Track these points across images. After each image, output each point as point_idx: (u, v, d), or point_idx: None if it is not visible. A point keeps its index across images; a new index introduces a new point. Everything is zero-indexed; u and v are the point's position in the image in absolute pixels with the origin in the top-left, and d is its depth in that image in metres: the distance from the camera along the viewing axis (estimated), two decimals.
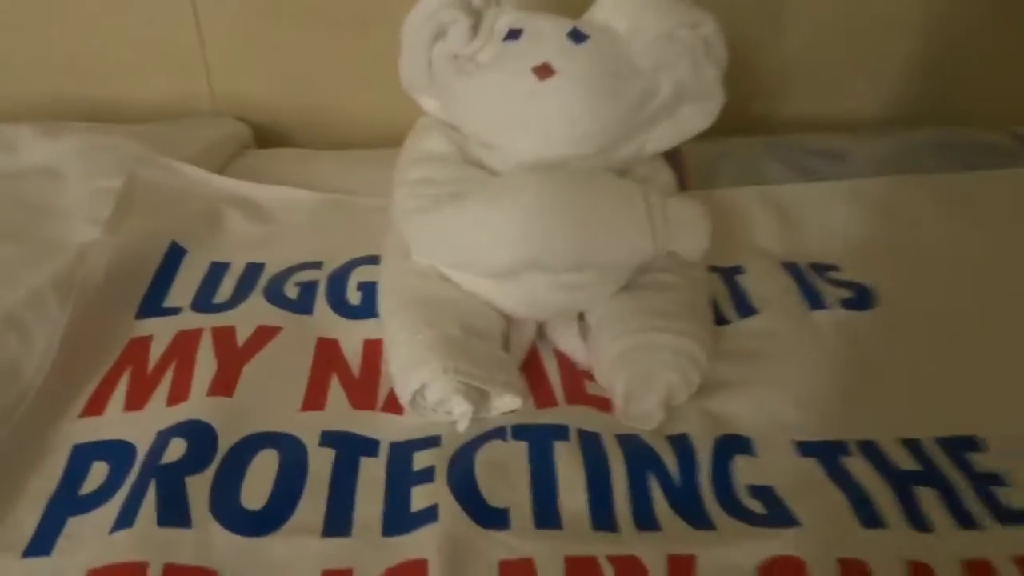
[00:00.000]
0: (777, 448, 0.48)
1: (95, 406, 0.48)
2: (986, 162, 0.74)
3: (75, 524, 0.41)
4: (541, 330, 0.55)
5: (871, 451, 0.47)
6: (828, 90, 0.86)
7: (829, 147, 0.78)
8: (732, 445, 0.48)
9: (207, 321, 0.54)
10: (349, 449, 0.46)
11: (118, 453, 0.45)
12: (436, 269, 0.53)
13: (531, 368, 0.53)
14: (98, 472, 0.44)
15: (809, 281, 0.61)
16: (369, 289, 0.57)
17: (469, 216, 0.48)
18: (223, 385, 0.48)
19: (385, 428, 0.48)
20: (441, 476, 0.44)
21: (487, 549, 0.40)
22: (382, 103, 0.79)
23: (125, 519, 0.40)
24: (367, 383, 0.51)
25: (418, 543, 0.40)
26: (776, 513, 0.43)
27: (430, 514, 0.42)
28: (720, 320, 0.57)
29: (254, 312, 0.55)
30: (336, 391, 0.50)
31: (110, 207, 0.61)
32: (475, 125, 0.52)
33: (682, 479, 0.45)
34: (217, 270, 0.60)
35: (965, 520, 0.43)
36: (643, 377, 0.49)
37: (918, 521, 0.43)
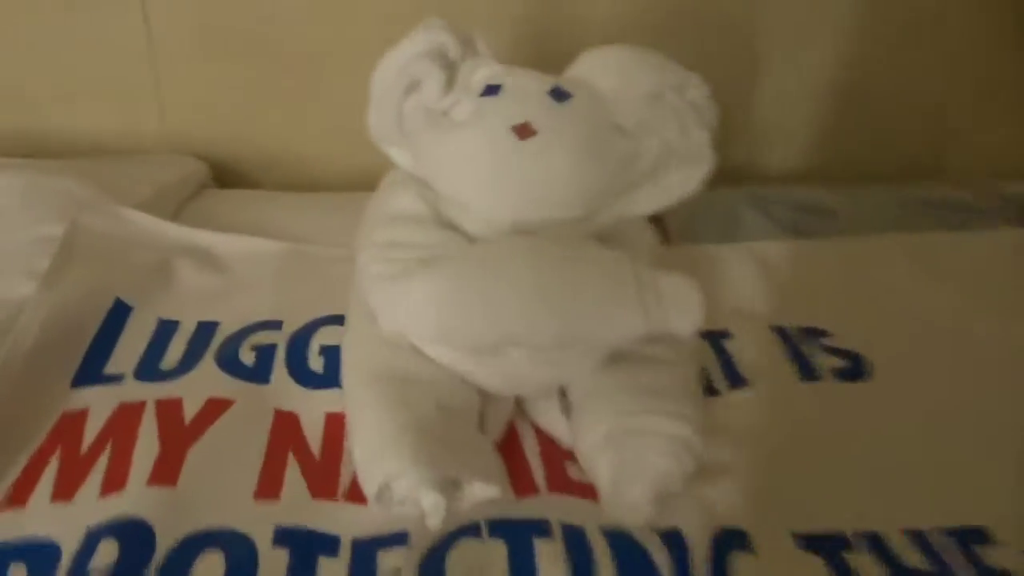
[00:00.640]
0: (776, 542, 0.44)
1: (18, 495, 0.42)
2: (971, 221, 0.73)
3: None
4: (519, 405, 0.51)
5: (876, 545, 0.44)
6: (808, 143, 0.85)
7: (814, 202, 0.76)
8: (729, 540, 0.44)
9: (151, 392, 0.49)
10: (305, 548, 0.41)
11: (39, 555, 0.39)
12: (405, 338, 0.49)
13: (509, 448, 0.48)
14: None
15: (799, 348, 0.58)
16: (332, 354, 0.53)
17: (444, 287, 0.44)
18: (165, 472, 0.43)
19: (347, 521, 0.43)
20: None
21: None
22: (343, 144, 0.76)
23: None
24: (328, 466, 0.46)
25: None
26: None
27: None
28: (709, 390, 0.54)
29: (204, 381, 0.50)
30: (293, 476, 0.45)
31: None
32: (449, 184, 0.48)
33: None
34: (166, 329, 0.55)
35: None
36: (632, 464, 0.45)
37: None
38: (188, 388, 0.49)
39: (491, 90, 0.46)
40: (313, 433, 0.48)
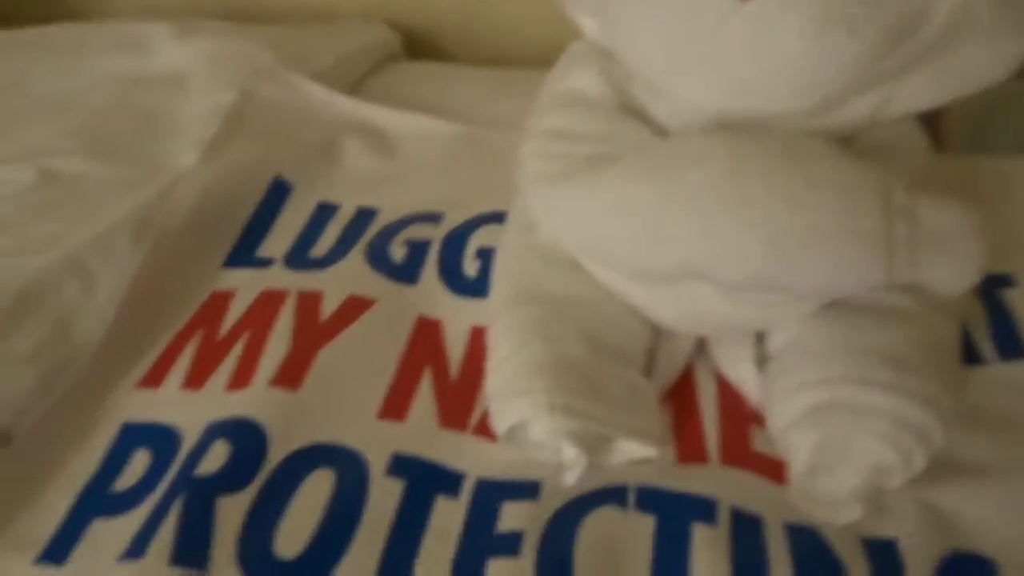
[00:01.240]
0: None
1: (156, 375, 0.41)
2: None
3: (99, 529, 0.35)
4: (701, 346, 0.41)
5: None
6: None
7: None
8: (966, 568, 0.32)
9: (296, 281, 0.45)
10: (424, 483, 0.36)
11: (164, 442, 0.38)
12: (568, 252, 0.40)
13: (680, 400, 0.39)
14: (139, 463, 0.37)
15: None
16: (489, 257, 0.45)
17: (608, 195, 0.34)
18: (291, 374, 0.39)
19: (474, 457, 0.37)
20: (529, 551, 0.33)
21: None
22: (549, 13, 0.66)
23: (138, 545, 0.33)
24: (464, 390, 0.40)
25: None
26: None
27: None
28: (971, 357, 0.40)
29: (349, 275, 0.45)
30: (424, 396, 0.40)
31: None
32: (642, 56, 0.37)
33: None
34: (323, 213, 0.51)
35: None
36: (840, 447, 0.34)
37: None
38: (332, 281, 0.45)
39: None
40: (455, 348, 0.42)
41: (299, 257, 0.48)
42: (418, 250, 0.47)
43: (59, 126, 0.57)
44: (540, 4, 0.64)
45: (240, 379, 0.40)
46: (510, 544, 0.33)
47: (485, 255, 0.46)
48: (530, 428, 0.35)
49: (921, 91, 0.34)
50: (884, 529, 0.33)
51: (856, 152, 0.34)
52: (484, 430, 0.38)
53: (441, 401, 0.39)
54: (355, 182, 0.53)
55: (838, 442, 0.34)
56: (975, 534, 0.33)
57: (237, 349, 0.42)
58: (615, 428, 0.35)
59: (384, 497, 0.35)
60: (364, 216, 0.51)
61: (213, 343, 0.42)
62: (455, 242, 0.48)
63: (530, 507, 0.34)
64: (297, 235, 0.49)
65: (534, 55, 0.71)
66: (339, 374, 0.40)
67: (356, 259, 0.47)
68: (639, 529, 0.33)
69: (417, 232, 0.49)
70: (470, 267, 0.46)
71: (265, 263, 0.47)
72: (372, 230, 0.49)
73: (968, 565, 0.32)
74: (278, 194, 0.52)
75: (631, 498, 0.34)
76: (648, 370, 0.38)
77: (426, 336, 0.43)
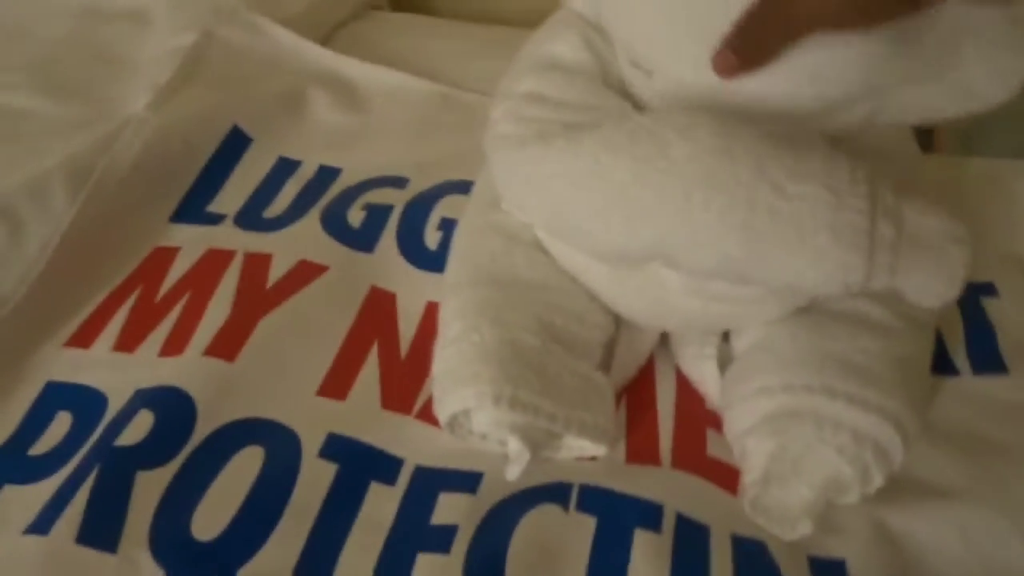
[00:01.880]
0: None
1: (85, 334, 0.39)
2: None
3: (8, 495, 0.33)
4: (664, 343, 0.39)
5: None
6: None
7: None
8: None
9: (244, 242, 0.43)
10: (358, 467, 0.34)
11: (88, 405, 0.36)
12: (532, 230, 0.38)
13: (636, 397, 0.37)
14: (59, 427, 0.35)
15: None
16: (453, 230, 0.43)
17: (583, 162, 0.31)
18: (228, 342, 0.37)
19: (415, 443, 0.35)
20: (461, 547, 0.31)
21: None
22: None
23: (45, 517, 0.31)
24: (411, 370, 0.38)
25: None
26: None
27: None
28: (942, 366, 0.38)
29: (302, 239, 0.43)
30: (368, 374, 0.38)
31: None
32: (637, 31, 0.34)
33: None
34: (282, 169, 0.48)
35: None
36: (796, 457, 0.32)
37: None
38: (283, 244, 0.42)
39: None
40: (407, 324, 0.40)
41: (252, 216, 0.45)
42: (378, 216, 0.45)
43: (8, 57, 0.53)
44: None
45: (174, 345, 0.38)
46: (442, 538, 0.31)
47: (448, 226, 0.44)
48: (474, 417, 0.33)
49: (919, 102, 0.32)
50: (834, 548, 0.32)
51: (847, 151, 0.32)
52: (428, 415, 0.36)
53: (386, 380, 0.37)
54: (319, 138, 0.50)
55: (795, 452, 0.32)
56: (925, 557, 0.32)
57: (175, 312, 0.39)
58: (563, 424, 0.33)
59: (315, 480, 0.33)
60: (326, 175, 0.48)
61: (151, 304, 0.40)
62: (418, 210, 0.45)
63: (468, 500, 0.33)
64: (252, 191, 0.47)
65: (521, 16, 0.68)
66: (279, 345, 0.38)
67: (311, 221, 0.44)
68: (579, 530, 0.32)
69: (379, 196, 0.46)
70: (431, 238, 0.44)
71: (215, 219, 0.45)
72: (333, 191, 0.47)
73: None
74: (235, 145, 0.49)
75: (574, 497, 0.33)
76: (606, 364, 0.37)
77: (377, 309, 0.41)
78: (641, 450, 0.35)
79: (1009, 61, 0.30)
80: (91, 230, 0.42)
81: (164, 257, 0.42)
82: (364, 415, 0.36)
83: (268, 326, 0.38)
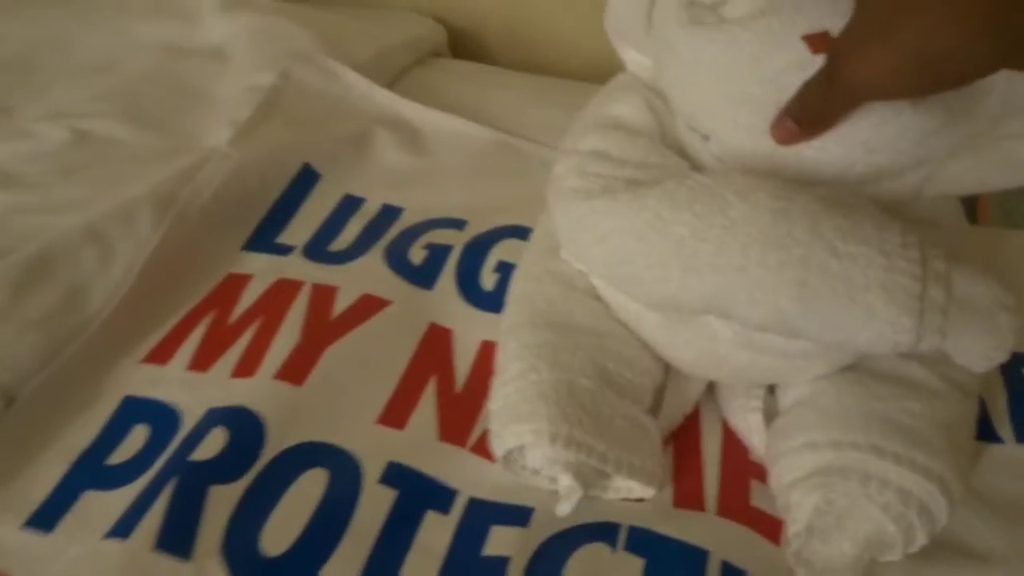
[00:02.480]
0: None
1: (163, 352, 0.41)
2: None
3: (89, 501, 0.35)
4: (711, 393, 0.40)
5: None
6: None
7: None
8: None
9: (312, 273, 0.45)
10: (416, 495, 0.36)
11: (164, 420, 0.38)
12: (588, 279, 0.39)
13: (683, 444, 0.38)
14: (137, 438, 0.37)
15: None
16: (508, 272, 0.45)
17: (646, 215, 0.33)
18: (296, 368, 0.39)
19: (469, 475, 0.37)
20: None
21: None
22: (594, 27, 0.65)
23: (125, 523, 0.33)
24: (467, 405, 0.40)
25: None
26: None
27: None
28: (984, 435, 0.39)
29: (366, 273, 0.45)
30: (426, 406, 0.39)
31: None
32: (694, 101, 0.36)
33: None
34: (348, 205, 0.51)
35: None
36: (841, 513, 0.33)
37: None
38: (348, 277, 0.45)
39: None
40: (463, 360, 0.42)
41: (319, 248, 0.47)
42: (438, 255, 0.47)
43: (96, 88, 0.57)
44: (590, 18, 0.63)
45: (246, 367, 0.40)
46: (495, 570, 0.33)
47: (504, 269, 0.46)
48: (528, 454, 0.35)
49: (967, 174, 0.34)
50: None
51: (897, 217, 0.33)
52: (482, 448, 0.37)
53: (443, 413, 0.39)
54: (383, 177, 0.53)
55: (840, 507, 0.33)
56: None
57: (247, 336, 0.41)
58: (614, 465, 0.34)
59: (375, 505, 0.35)
60: (388, 213, 0.50)
61: (224, 326, 0.42)
62: (476, 252, 0.47)
63: (519, 533, 0.34)
64: (319, 225, 0.49)
65: (578, 67, 0.71)
66: (344, 374, 0.40)
67: (375, 257, 0.46)
68: (627, 570, 0.33)
69: (439, 237, 0.48)
70: (488, 279, 0.46)
71: (285, 250, 0.47)
72: (395, 229, 0.49)
73: None
74: (305, 181, 0.51)
75: (622, 537, 0.34)
76: (655, 409, 0.38)
77: (436, 344, 0.42)
78: (687, 495, 0.36)
79: None
80: (172, 255, 0.44)
81: (237, 283, 0.45)
82: (422, 445, 0.38)
83: (333, 355, 0.40)
